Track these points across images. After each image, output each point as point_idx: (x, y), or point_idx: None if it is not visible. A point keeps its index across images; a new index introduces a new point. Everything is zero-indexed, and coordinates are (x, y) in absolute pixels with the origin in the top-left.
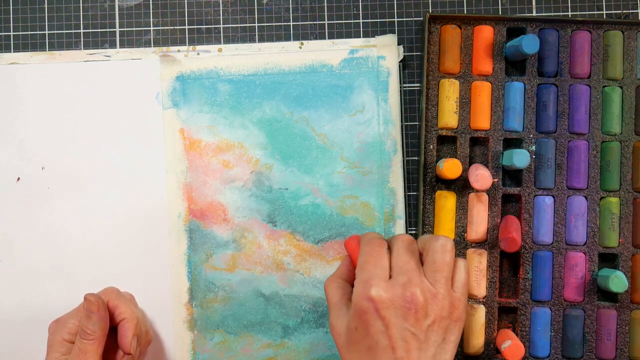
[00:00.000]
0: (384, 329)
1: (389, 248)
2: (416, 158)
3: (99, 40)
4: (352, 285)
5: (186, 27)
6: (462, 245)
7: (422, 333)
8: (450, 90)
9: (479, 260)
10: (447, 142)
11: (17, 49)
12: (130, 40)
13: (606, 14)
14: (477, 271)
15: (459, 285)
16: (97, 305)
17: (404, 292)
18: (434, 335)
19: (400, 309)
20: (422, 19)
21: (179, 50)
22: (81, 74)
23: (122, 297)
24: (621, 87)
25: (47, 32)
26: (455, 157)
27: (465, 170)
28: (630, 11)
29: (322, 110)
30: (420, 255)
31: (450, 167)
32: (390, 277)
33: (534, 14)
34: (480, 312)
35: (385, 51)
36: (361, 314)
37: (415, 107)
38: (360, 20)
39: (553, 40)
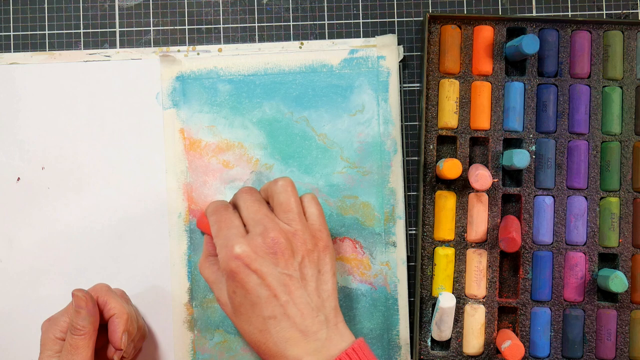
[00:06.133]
0: (260, 281)
1: (235, 207)
2: (416, 158)
3: (99, 40)
4: None
5: (186, 27)
6: (462, 245)
7: (296, 272)
8: (450, 90)
9: (479, 260)
10: (447, 142)
11: (17, 49)
12: (130, 40)
13: (606, 14)
14: (477, 271)
15: (313, 217)
16: (85, 300)
17: (265, 239)
18: (308, 269)
19: (267, 256)
20: (422, 19)
21: (179, 50)
22: (81, 74)
23: (112, 293)
24: (621, 87)
25: (47, 32)
26: (455, 157)
27: (465, 170)
28: (630, 11)
29: (322, 110)
30: (268, 203)
31: (450, 167)
32: (247, 232)
33: (534, 14)
34: (480, 312)
35: (385, 51)
36: (233, 275)
37: (415, 107)
38: (360, 20)
39: (553, 40)
